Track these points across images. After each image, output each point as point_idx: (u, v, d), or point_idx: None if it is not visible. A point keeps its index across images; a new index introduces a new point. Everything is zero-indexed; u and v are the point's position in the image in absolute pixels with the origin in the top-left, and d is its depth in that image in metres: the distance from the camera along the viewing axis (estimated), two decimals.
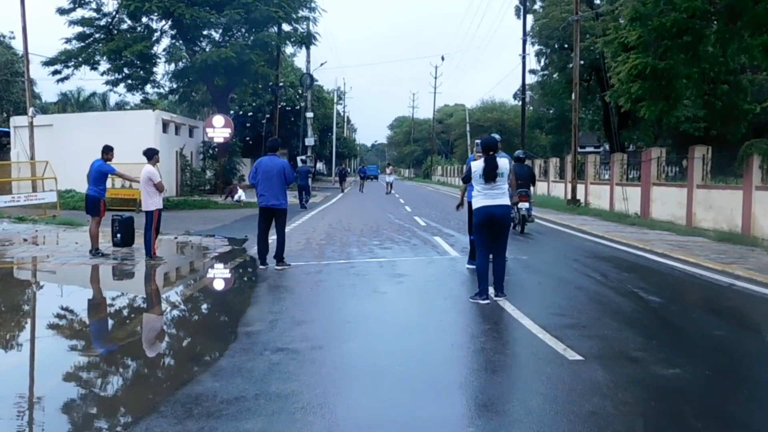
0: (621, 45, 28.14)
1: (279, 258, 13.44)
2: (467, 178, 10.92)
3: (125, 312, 10.54)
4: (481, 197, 10.23)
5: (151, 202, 14.43)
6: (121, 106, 60.70)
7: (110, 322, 9.93)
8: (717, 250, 15.98)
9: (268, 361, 7.10)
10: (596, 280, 12.30)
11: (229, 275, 13.48)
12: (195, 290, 11.92)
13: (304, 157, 47.14)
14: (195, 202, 33.61)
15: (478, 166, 10.28)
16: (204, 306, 11.06)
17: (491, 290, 10.29)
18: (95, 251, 14.92)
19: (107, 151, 15.23)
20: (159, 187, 14.45)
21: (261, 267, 13.33)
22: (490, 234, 10.27)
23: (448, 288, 11.80)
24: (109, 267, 14.08)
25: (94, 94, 61.30)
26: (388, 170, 58.95)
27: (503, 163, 10.33)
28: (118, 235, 15.74)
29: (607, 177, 33.21)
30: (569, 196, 32.85)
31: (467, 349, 7.84)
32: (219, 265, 14.50)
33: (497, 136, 11.50)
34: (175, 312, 10.50)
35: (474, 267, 13.18)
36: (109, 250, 15.43)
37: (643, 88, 25.16)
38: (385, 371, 6.93)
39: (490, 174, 10.09)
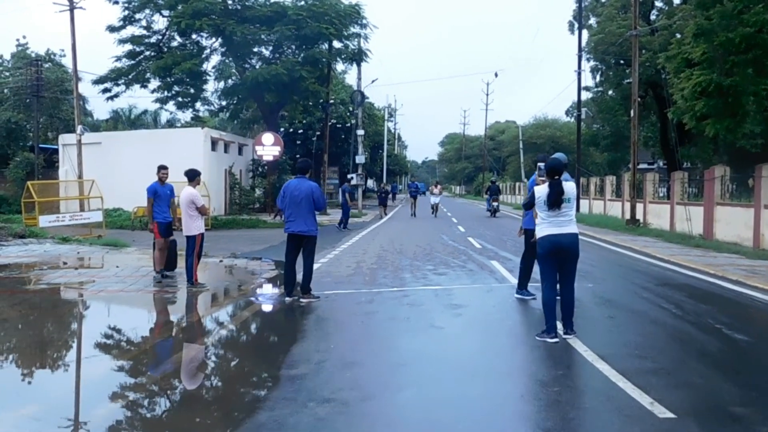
0: (684, 60, 27.13)
1: (305, 290, 12.43)
2: (529, 204, 9.97)
3: (157, 350, 9.61)
4: (546, 225, 9.33)
5: (194, 226, 13.62)
6: (172, 123, 60.79)
7: (137, 362, 8.91)
8: None
9: (313, 415, 6.25)
10: (672, 313, 11.27)
11: (274, 305, 12.60)
12: (236, 323, 11.10)
13: (353, 175, 46.48)
14: (243, 221, 33.19)
15: (542, 191, 9.36)
16: (245, 342, 10.21)
17: (559, 326, 9.37)
18: (156, 274, 14.61)
19: (158, 170, 14.70)
20: (202, 211, 13.68)
21: (286, 299, 12.38)
22: (557, 265, 9.38)
23: (511, 322, 10.85)
24: (148, 295, 13.26)
25: (145, 111, 61.72)
26: (435, 189, 48.30)
27: (570, 187, 9.40)
28: None
29: (662, 195, 32.22)
30: (627, 216, 31.59)
31: (539, 402, 6.88)
32: (264, 293, 13.69)
33: (562, 156, 10.49)
34: (213, 350, 9.64)
35: (523, 297, 12.39)
36: (149, 275, 14.80)
37: (708, 105, 24.25)
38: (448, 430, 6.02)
39: (556, 200, 9.18)
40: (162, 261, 14.65)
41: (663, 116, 43.53)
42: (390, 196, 76.96)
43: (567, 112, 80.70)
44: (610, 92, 48.45)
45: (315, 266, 13.05)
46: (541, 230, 9.41)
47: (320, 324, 10.64)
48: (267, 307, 12.46)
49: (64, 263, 17.14)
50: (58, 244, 21.37)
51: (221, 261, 17.91)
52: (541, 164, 10.34)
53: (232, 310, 12.12)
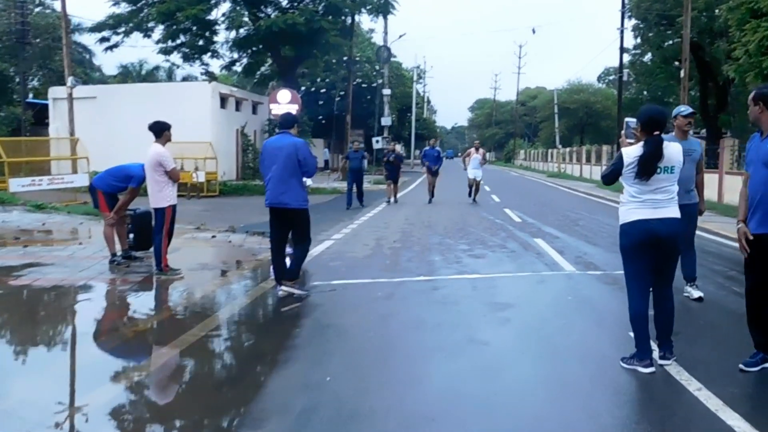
0: (749, 11, 24.10)
1: (290, 275, 9.43)
2: (612, 174, 6.53)
3: (53, 390, 6.08)
4: (637, 205, 6.27)
5: (161, 195, 10.51)
6: (188, 81, 57.41)
7: (29, 412, 5.55)
8: None
9: None
10: None
11: (258, 304, 9.47)
12: (201, 335, 7.63)
13: (378, 139, 43.60)
14: (256, 188, 30.28)
15: (632, 154, 6.23)
16: (204, 370, 6.87)
17: (654, 347, 6.48)
18: (111, 258, 11.45)
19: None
20: (172, 176, 10.55)
21: (278, 291, 9.44)
22: (650, 263, 6.35)
23: (579, 334, 7.78)
24: (97, 287, 10.08)
25: (157, 68, 57.95)
26: (477, 154, 27.06)
27: (674, 151, 6.27)
28: (131, 236, 12.01)
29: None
30: None
31: None
32: (252, 286, 10.59)
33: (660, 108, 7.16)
34: (155, 386, 6.34)
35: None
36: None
37: None
38: None
39: (648, 167, 6.13)
40: (121, 238, 11.72)
41: (703, 81, 40.93)
42: (421, 164, 74.18)
43: (599, 78, 77.85)
44: (648, 55, 45.67)
45: (325, 245, 10.49)
46: (628, 213, 6.34)
47: (317, 335, 7.66)
48: (248, 308, 9.20)
49: (16, 238, 14.14)
50: (29, 213, 18.37)
51: (213, 237, 14.98)
52: (630, 120, 7.02)
53: (200, 309, 8.87)
